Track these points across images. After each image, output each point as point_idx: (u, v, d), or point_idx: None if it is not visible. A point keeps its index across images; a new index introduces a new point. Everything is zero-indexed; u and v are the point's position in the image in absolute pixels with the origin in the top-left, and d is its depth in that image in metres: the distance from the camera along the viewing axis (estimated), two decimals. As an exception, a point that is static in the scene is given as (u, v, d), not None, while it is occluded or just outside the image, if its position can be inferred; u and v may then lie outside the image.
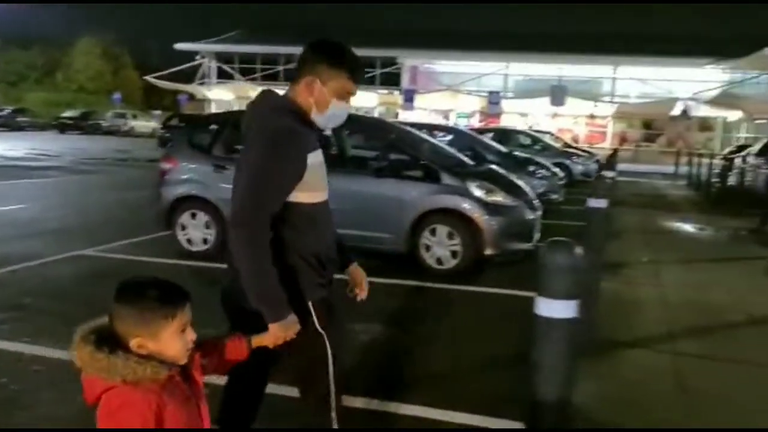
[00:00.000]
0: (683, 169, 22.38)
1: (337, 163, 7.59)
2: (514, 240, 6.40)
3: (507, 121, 36.85)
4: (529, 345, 2.14)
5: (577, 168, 17.15)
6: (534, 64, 37.58)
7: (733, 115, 34.90)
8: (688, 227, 10.69)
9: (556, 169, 12.20)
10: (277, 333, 1.93)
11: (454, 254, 6.26)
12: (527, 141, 18.27)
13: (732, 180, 14.55)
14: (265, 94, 2.13)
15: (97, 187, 13.50)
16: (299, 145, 1.99)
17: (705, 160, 17.53)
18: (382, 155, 6.66)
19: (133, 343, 1.51)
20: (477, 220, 6.19)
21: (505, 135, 18.96)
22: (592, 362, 4.08)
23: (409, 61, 40.62)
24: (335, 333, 2.13)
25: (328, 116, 2.10)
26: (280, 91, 2.16)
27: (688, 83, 35.86)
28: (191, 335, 1.60)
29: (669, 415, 3.47)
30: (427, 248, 6.35)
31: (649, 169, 27.62)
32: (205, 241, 6.72)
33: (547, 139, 19.98)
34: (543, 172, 11.26)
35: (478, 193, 6.28)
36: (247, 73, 41.78)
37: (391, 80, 40.80)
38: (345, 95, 2.10)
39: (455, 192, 6.27)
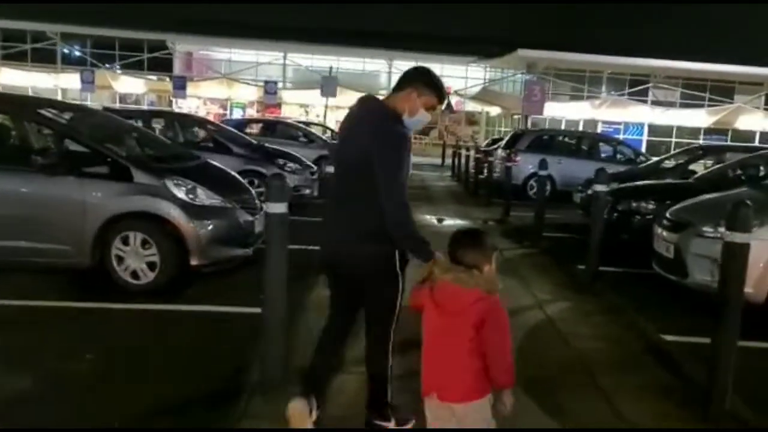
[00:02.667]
0: (449, 161, 23.48)
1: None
2: (228, 246, 5.53)
3: (287, 112, 36.31)
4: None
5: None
6: (311, 55, 37.37)
7: (495, 110, 37.85)
8: (443, 220, 10.72)
9: (310, 163, 11.61)
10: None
11: (152, 266, 5.23)
12: (296, 133, 17.71)
13: (486, 172, 15.23)
14: (375, 102, 2.84)
15: None
16: (409, 146, 2.76)
17: (466, 153, 18.32)
18: (56, 147, 5.37)
19: (490, 268, 2.37)
20: (178, 225, 5.22)
21: (272, 126, 18.27)
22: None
23: (181, 46, 38.05)
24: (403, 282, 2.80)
25: (414, 120, 2.80)
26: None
27: (457, 79, 38.14)
28: None
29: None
30: (120, 260, 5.24)
31: (421, 161, 28.70)
32: None
33: (316, 130, 19.64)
34: (294, 165, 10.58)
35: (179, 192, 5.30)
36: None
37: (163, 66, 37.93)
38: (430, 108, 2.82)
39: (150, 192, 5.22)
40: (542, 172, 9.07)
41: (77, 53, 37.54)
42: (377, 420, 2.97)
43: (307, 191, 10.56)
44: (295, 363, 3.86)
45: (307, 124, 21.37)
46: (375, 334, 2.90)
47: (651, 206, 7.50)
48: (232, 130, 11.78)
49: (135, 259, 5.22)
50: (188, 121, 12.04)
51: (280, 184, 3.39)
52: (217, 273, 5.62)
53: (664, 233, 5.90)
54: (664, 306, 5.91)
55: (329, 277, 3.03)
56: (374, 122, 2.69)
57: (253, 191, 6.39)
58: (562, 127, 31.57)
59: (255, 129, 17.70)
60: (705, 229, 5.38)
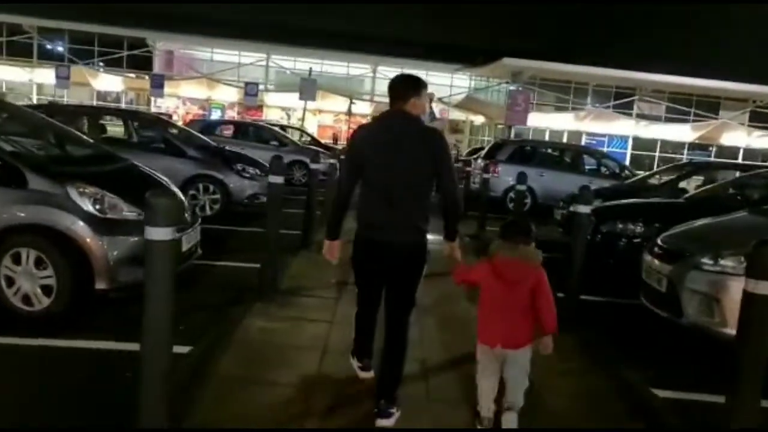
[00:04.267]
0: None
1: None
2: (143, 268, 4.65)
3: (269, 115, 35.40)
4: None
5: (316, 166, 16.15)
6: (295, 57, 36.58)
7: (479, 119, 37.21)
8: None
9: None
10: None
11: (47, 290, 4.37)
12: (268, 136, 16.93)
13: (464, 182, 14.51)
14: (407, 112, 3.30)
15: None
16: None
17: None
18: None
19: (534, 245, 3.14)
20: (81, 242, 4.36)
21: (244, 129, 17.45)
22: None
23: (162, 44, 37.02)
24: None
25: (426, 117, 3.57)
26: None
27: (441, 87, 37.44)
28: None
29: None
30: (10, 281, 4.37)
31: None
32: None
33: (293, 135, 18.85)
34: (254, 170, 9.73)
35: (84, 202, 4.44)
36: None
37: (143, 64, 36.85)
38: (426, 106, 3.65)
39: (48, 201, 4.36)
40: (520, 187, 8.31)
41: (56, 48, 36.38)
42: (391, 407, 3.22)
43: (266, 199, 9.71)
44: (197, 420, 3.07)
45: (283, 127, 20.54)
46: (405, 312, 3.36)
47: (639, 229, 6.76)
48: (190, 130, 10.93)
49: (27, 281, 4.35)
50: (142, 119, 11.15)
51: (165, 204, 2.58)
52: (130, 299, 4.75)
53: (656, 263, 5.14)
54: (655, 348, 5.15)
55: (372, 269, 3.38)
56: (422, 134, 3.28)
57: (185, 201, 5.54)
58: (546, 138, 30.94)
59: (228, 131, 16.90)
60: (704, 260, 4.61)
